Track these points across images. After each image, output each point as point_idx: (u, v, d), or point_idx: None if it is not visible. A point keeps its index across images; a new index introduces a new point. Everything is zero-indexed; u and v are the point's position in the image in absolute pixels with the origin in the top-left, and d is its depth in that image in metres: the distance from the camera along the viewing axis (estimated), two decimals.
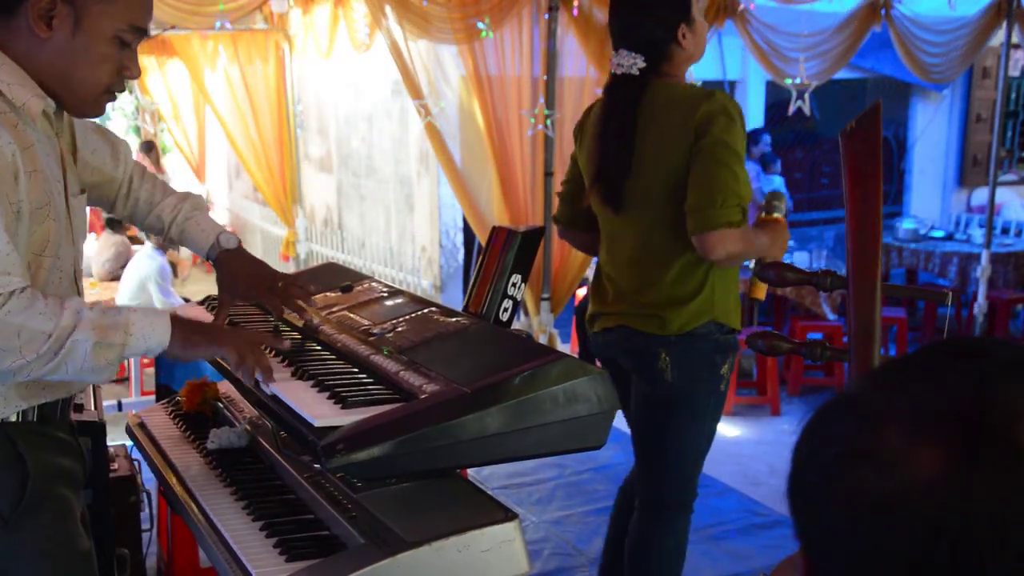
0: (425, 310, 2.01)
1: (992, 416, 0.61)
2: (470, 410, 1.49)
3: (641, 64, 2.40)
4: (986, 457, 0.59)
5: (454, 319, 1.92)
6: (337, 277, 2.46)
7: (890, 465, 0.62)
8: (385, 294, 2.21)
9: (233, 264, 1.95)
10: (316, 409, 1.54)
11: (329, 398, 1.60)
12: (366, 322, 2.01)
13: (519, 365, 1.57)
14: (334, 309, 2.16)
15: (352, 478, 1.68)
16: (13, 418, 1.62)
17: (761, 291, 2.48)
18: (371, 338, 1.90)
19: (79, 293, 1.74)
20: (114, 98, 1.71)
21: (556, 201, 5.15)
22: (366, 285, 2.32)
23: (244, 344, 1.67)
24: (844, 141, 1.39)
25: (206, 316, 2.21)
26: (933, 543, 0.60)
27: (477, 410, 1.49)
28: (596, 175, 2.49)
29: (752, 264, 2.48)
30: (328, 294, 2.30)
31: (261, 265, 1.99)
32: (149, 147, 10.37)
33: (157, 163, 10.24)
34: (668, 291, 2.42)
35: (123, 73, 1.66)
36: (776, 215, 2.46)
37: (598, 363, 2.74)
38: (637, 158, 2.41)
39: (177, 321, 1.61)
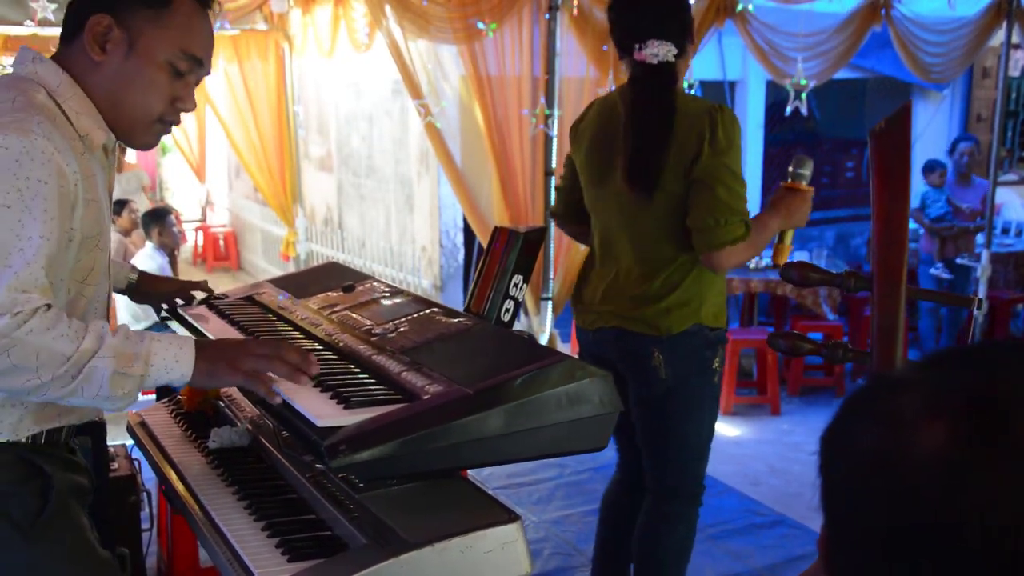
0: (427, 311, 2.02)
1: (1005, 403, 0.62)
2: (473, 411, 1.49)
3: (675, 51, 2.42)
4: (989, 439, 0.61)
5: (456, 320, 1.92)
6: (339, 277, 2.46)
7: (898, 428, 0.64)
8: (387, 294, 2.22)
9: (149, 279, 2.31)
10: (319, 409, 1.54)
11: (332, 398, 1.60)
12: (368, 322, 2.02)
13: (522, 366, 1.57)
14: (336, 309, 2.17)
15: (355, 478, 1.68)
16: (23, 440, 1.61)
17: (784, 256, 2.49)
18: (373, 338, 1.90)
19: (106, 313, 1.76)
20: (168, 130, 1.71)
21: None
22: (368, 285, 2.32)
23: (260, 363, 1.59)
24: (873, 141, 1.38)
25: (209, 318, 2.22)
26: (916, 508, 0.62)
27: (480, 411, 1.49)
28: (631, 165, 2.45)
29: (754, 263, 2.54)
30: (330, 294, 2.30)
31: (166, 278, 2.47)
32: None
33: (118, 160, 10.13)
34: (660, 296, 2.46)
35: (176, 104, 1.67)
36: (803, 184, 2.46)
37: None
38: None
39: (202, 351, 1.55)
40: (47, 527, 1.60)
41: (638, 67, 2.45)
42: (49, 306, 1.43)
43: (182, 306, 2.35)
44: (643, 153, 2.42)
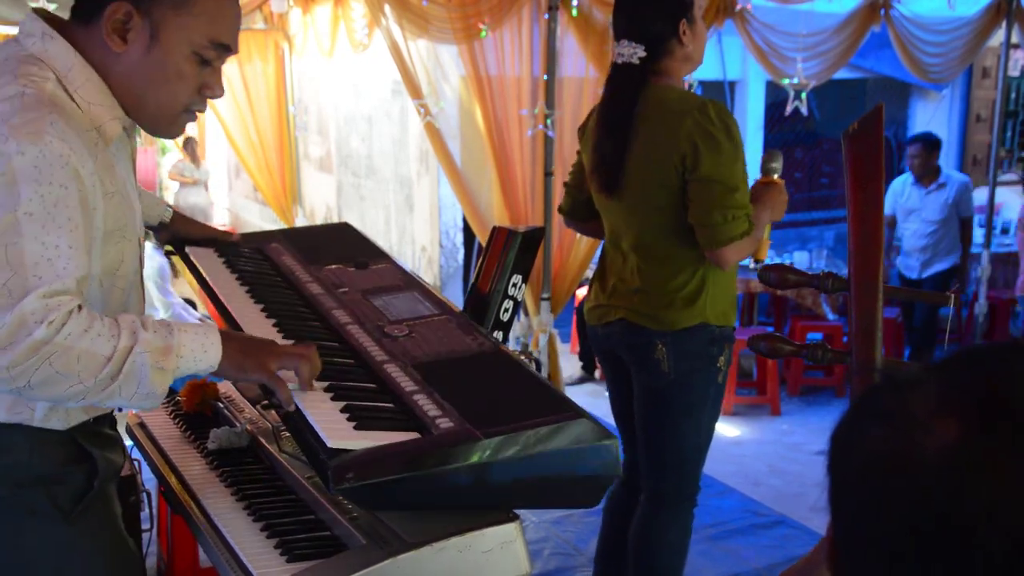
0: (442, 316, 1.96)
1: (1017, 404, 0.62)
2: (480, 458, 1.46)
3: (641, 54, 2.44)
4: (999, 438, 0.60)
5: (470, 337, 1.87)
6: (352, 245, 2.37)
7: (908, 428, 0.64)
8: (400, 283, 2.15)
9: (182, 220, 2.23)
10: (330, 426, 1.50)
11: (343, 412, 1.55)
12: (380, 316, 1.96)
13: (536, 416, 1.54)
14: (347, 290, 2.10)
15: (352, 503, 1.65)
16: (74, 425, 1.59)
17: (764, 251, 2.52)
18: (385, 339, 1.85)
19: (142, 297, 1.72)
20: (193, 117, 1.62)
21: (556, 201, 5.19)
22: (381, 265, 2.25)
23: (295, 365, 1.54)
24: (846, 143, 1.40)
25: (217, 269, 2.16)
26: (927, 510, 0.61)
27: (486, 459, 1.47)
28: (595, 162, 2.54)
29: (751, 263, 2.55)
30: (343, 267, 2.22)
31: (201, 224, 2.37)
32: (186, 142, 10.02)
33: (193, 154, 9.99)
34: (665, 293, 2.47)
35: (204, 92, 1.57)
36: (774, 176, 2.51)
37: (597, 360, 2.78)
38: (631, 152, 2.46)
39: (228, 341, 1.49)
40: (87, 511, 1.59)
41: (612, 66, 2.51)
42: (80, 307, 1.37)
43: (192, 246, 2.25)
44: (601, 151, 2.49)
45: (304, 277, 2.18)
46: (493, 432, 1.48)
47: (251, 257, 2.27)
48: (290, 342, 1.81)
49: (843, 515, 0.69)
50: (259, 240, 2.41)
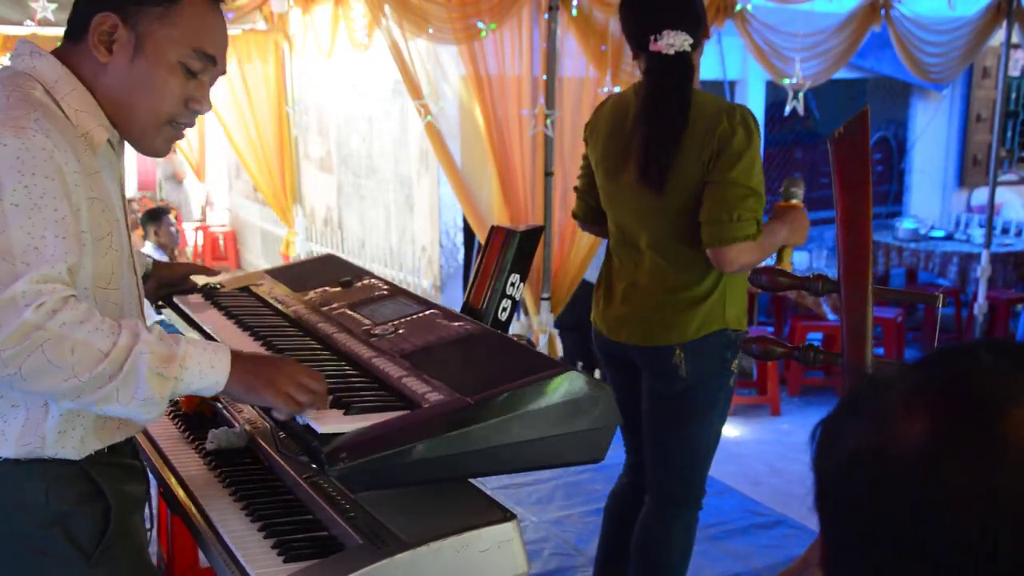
0: (427, 312, 2.00)
1: (982, 396, 0.63)
2: (473, 421, 1.47)
3: (691, 41, 2.38)
4: (966, 432, 0.62)
5: (457, 323, 1.90)
6: (336, 271, 2.43)
7: (881, 421, 0.66)
8: (385, 292, 2.19)
9: (164, 266, 2.34)
10: (319, 414, 1.51)
11: (331, 403, 1.57)
12: (367, 322, 2.00)
13: (523, 376, 1.55)
14: (334, 306, 2.14)
15: (352, 486, 1.65)
16: (87, 455, 1.57)
17: (787, 260, 2.50)
18: (372, 339, 1.88)
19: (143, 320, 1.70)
20: (180, 134, 1.63)
21: (556, 201, 5.17)
22: (366, 281, 2.29)
23: (300, 391, 1.51)
24: (833, 147, 1.40)
25: (206, 310, 2.20)
26: (903, 501, 0.63)
27: (480, 422, 1.47)
28: (643, 158, 2.41)
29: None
30: (328, 289, 2.27)
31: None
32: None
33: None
34: (685, 298, 2.44)
35: (190, 104, 1.58)
36: (794, 201, 2.49)
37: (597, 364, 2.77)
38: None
39: (238, 361, 1.47)
40: (108, 550, 1.57)
41: (653, 59, 2.40)
42: (76, 297, 1.35)
43: (179, 294, 2.29)
44: (654, 146, 2.38)
45: (290, 302, 2.24)
46: (484, 397, 1.50)
47: (237, 295, 2.34)
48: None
49: (828, 512, 0.70)
50: (244, 281, 2.47)
